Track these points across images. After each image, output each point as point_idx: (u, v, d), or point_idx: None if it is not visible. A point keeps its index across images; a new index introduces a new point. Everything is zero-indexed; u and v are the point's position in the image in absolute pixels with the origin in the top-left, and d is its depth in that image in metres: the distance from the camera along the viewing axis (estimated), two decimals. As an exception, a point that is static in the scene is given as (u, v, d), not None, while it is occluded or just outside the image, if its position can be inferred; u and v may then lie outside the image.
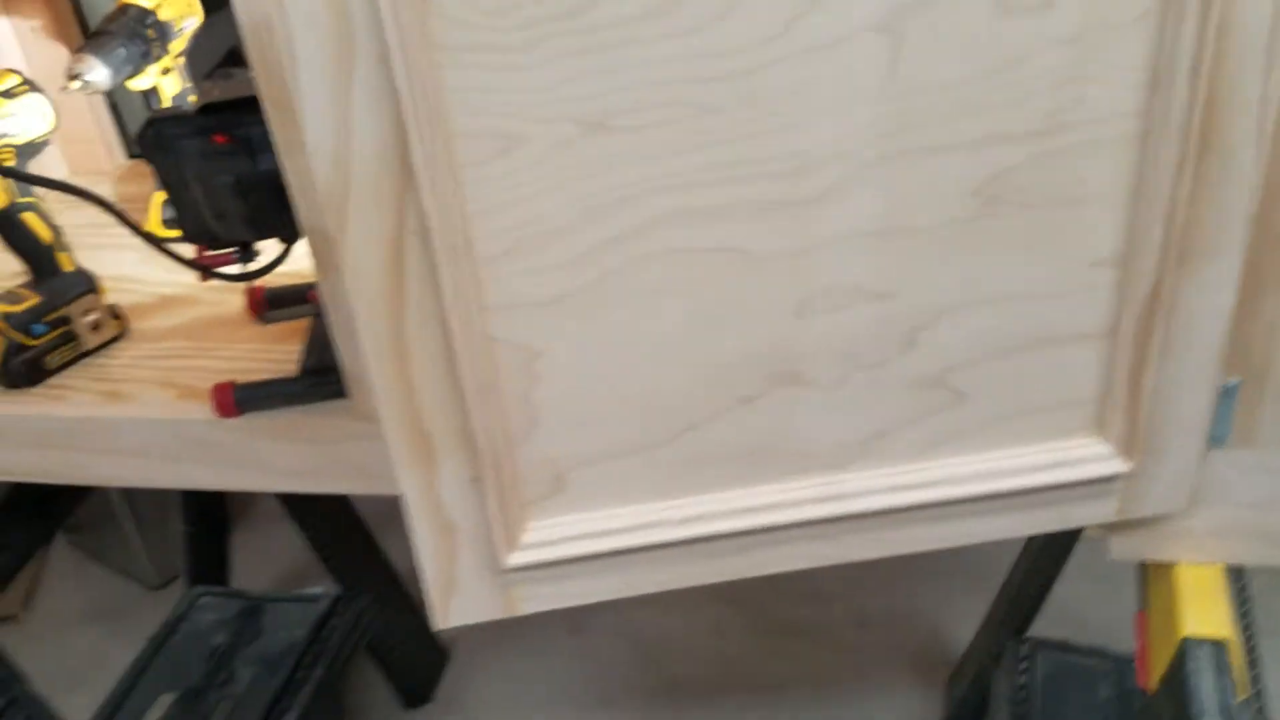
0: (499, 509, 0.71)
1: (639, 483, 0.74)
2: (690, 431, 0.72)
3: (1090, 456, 0.75)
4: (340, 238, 0.60)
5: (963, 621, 1.55)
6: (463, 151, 0.59)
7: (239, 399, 0.87)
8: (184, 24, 1.06)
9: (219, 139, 0.75)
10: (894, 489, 0.75)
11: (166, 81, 1.07)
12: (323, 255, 0.73)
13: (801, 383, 0.71)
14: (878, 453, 0.75)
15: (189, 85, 1.03)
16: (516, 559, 0.73)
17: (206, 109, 0.76)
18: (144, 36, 1.00)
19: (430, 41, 0.55)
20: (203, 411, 0.89)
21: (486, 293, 0.64)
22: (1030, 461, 0.75)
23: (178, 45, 1.05)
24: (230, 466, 0.91)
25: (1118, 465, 0.75)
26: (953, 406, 0.73)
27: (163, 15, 1.02)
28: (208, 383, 0.88)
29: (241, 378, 0.89)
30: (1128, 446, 0.74)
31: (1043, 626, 1.35)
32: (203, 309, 1.05)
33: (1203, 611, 0.82)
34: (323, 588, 1.42)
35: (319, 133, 0.56)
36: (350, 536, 1.48)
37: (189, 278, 0.94)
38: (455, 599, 0.75)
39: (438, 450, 0.69)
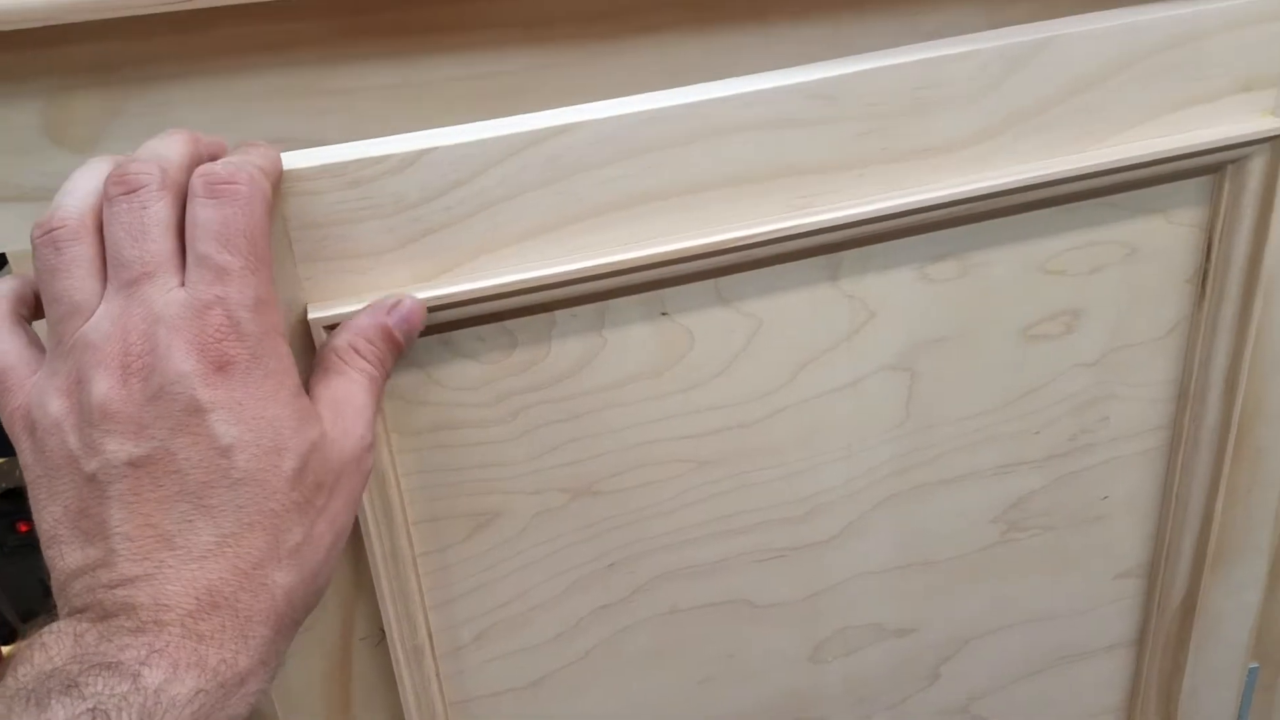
0: None
1: None
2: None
3: (1124, 769, 0.67)
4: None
5: None
6: (431, 538, 0.48)
7: None
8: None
9: (23, 527, 0.64)
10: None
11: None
12: None
13: (814, 729, 0.61)
14: (899, 791, 0.65)
15: None
16: None
17: (7, 493, 0.65)
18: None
19: (393, 427, 0.45)
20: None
21: (457, 687, 0.53)
22: (1060, 781, 0.67)
23: None
24: None
25: (1153, 775, 0.68)
26: (976, 735, 0.64)
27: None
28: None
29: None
30: (1162, 754, 0.67)
31: None
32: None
33: None
34: None
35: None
36: None
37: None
38: None
39: None
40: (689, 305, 0.47)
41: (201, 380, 0.32)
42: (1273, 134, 0.47)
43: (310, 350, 0.40)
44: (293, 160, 0.38)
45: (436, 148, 0.39)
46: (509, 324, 0.45)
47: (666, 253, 0.43)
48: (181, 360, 0.32)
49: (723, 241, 0.44)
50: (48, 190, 0.41)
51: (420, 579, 0.49)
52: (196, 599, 0.31)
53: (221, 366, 0.33)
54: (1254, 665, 0.70)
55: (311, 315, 0.40)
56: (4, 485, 0.63)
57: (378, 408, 0.39)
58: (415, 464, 0.47)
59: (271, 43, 0.43)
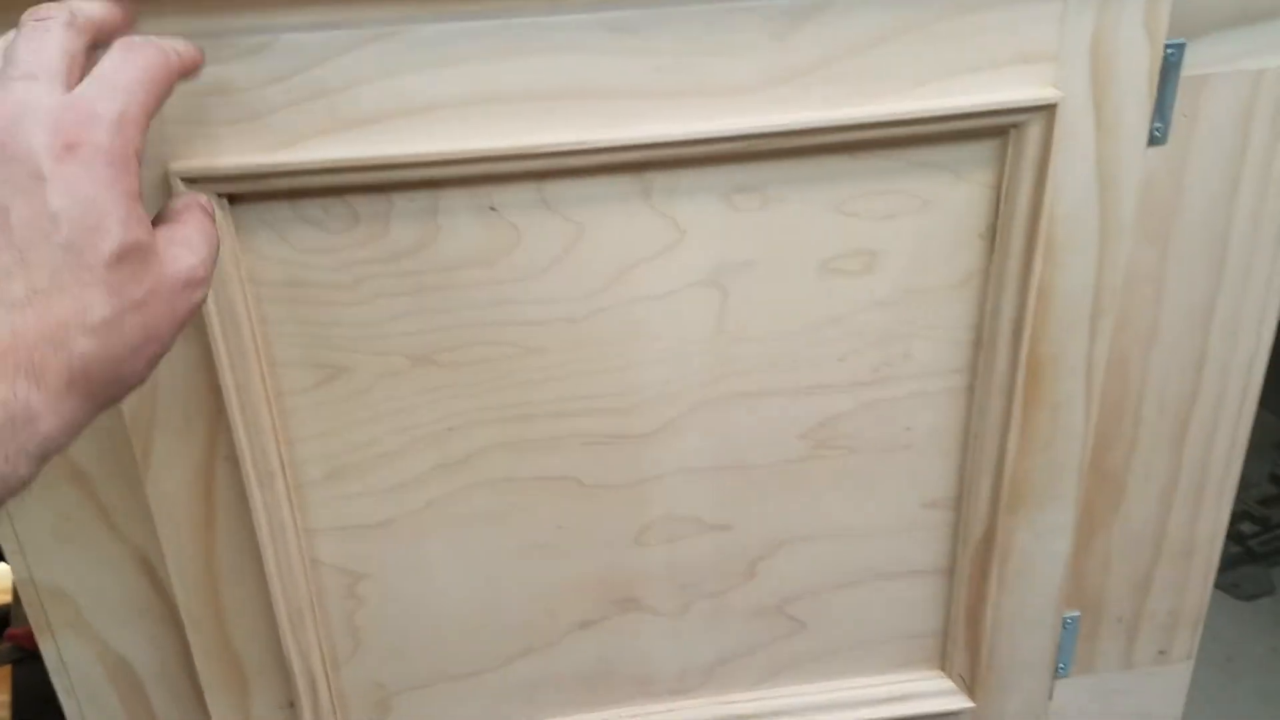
0: (315, 735, 0.67)
1: (474, 708, 0.71)
2: (528, 656, 0.69)
3: (932, 691, 0.74)
4: (145, 464, 0.57)
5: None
6: (285, 380, 0.57)
7: None
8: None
9: None
10: (736, 717, 0.73)
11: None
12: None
13: (643, 609, 0.69)
14: (720, 679, 0.73)
15: None
16: (332, 788, 0.69)
17: None
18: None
19: (247, 276, 0.54)
20: None
21: (309, 516, 0.62)
22: (872, 694, 0.74)
23: None
24: None
25: (961, 701, 0.74)
26: (792, 635, 0.72)
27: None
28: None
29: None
30: (970, 683, 0.73)
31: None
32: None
33: None
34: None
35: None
36: None
37: None
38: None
39: (250, 677, 0.65)
40: (515, 204, 0.54)
41: (49, 153, 0.38)
42: (1044, 103, 0.53)
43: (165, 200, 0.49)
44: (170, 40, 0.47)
45: (277, 40, 0.48)
46: (350, 200, 0.53)
47: (482, 150, 0.51)
48: (37, 134, 0.38)
49: (531, 146, 0.51)
50: None
51: (275, 415, 0.58)
52: None
53: (71, 147, 0.38)
54: (1075, 614, 0.76)
55: (172, 165, 0.49)
56: None
57: (213, 259, 0.45)
58: (273, 313, 0.55)
59: None
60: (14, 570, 0.63)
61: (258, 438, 0.57)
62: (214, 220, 0.45)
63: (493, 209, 0.54)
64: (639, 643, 0.70)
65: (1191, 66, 0.56)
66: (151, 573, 0.64)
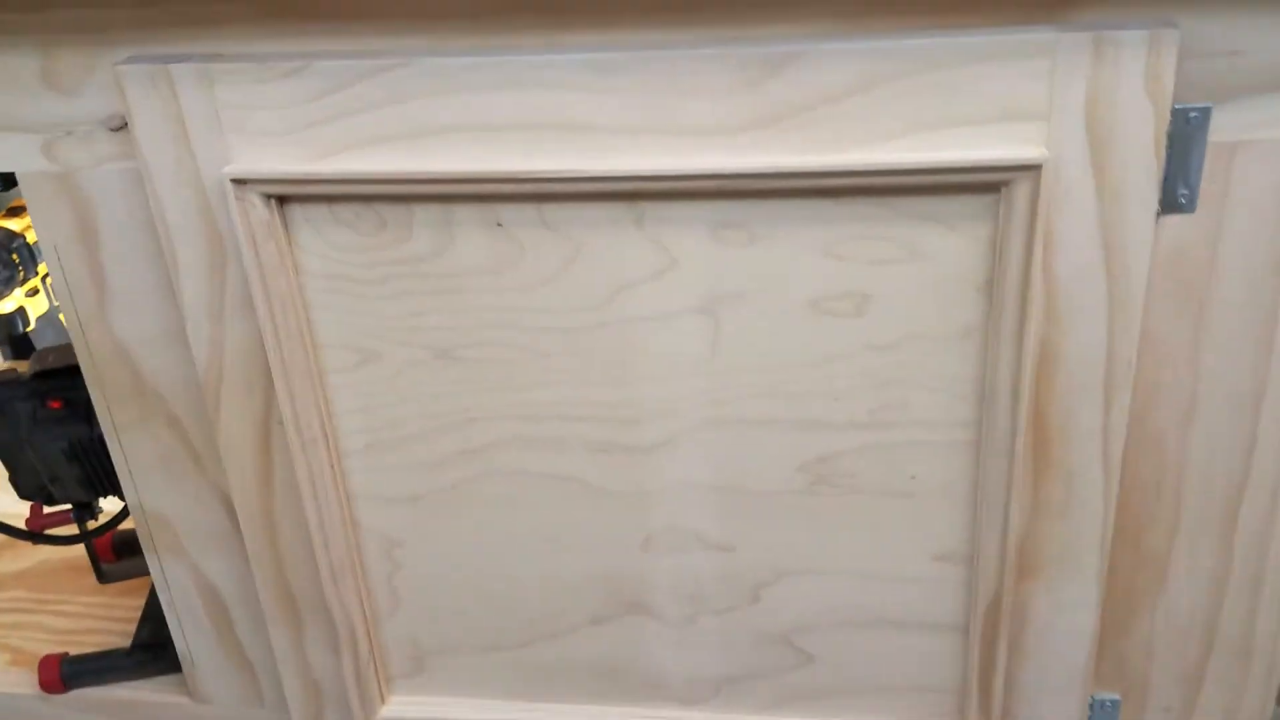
0: (355, 680, 0.76)
1: (497, 680, 0.77)
2: (545, 640, 0.75)
3: (945, 749, 0.72)
4: (215, 417, 0.67)
5: None
6: (327, 358, 0.66)
7: (66, 675, 0.85)
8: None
9: (53, 404, 0.78)
10: (745, 738, 0.75)
11: (32, 303, 1.03)
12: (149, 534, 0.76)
13: (650, 614, 0.72)
14: (728, 697, 0.75)
15: (56, 305, 0.97)
16: (367, 728, 0.77)
17: (41, 374, 0.78)
18: (9, 261, 0.97)
19: (294, 266, 0.62)
20: (32, 683, 0.86)
21: (352, 481, 0.70)
22: (882, 741, 0.73)
23: (45, 267, 0.98)
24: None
25: (976, 765, 0.72)
26: (801, 667, 0.72)
27: (30, 238, 0.99)
28: (43, 646, 0.89)
29: (78, 641, 0.89)
30: (985, 747, 0.71)
31: None
32: (46, 553, 1.02)
33: None
34: None
35: (198, 326, 0.64)
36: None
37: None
38: (313, 751, 0.80)
39: (304, 616, 0.75)
40: (519, 221, 0.60)
41: None
42: (1030, 162, 0.52)
43: (224, 198, 0.59)
44: (223, 62, 0.56)
45: (310, 65, 0.55)
46: (378, 207, 0.60)
47: (485, 171, 0.57)
48: None
49: (527, 171, 0.56)
50: (44, 124, 0.61)
51: (320, 389, 0.66)
52: None
53: None
54: (1114, 696, 0.72)
55: (225, 169, 0.58)
56: (38, 368, 0.78)
57: None
58: (316, 300, 0.64)
59: (207, 18, 0.57)
60: (126, 496, 0.75)
61: (303, 407, 0.66)
62: None
63: (499, 224, 0.60)
64: (647, 646, 0.74)
65: (1221, 132, 0.53)
66: (232, 511, 0.74)
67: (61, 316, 0.77)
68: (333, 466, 0.69)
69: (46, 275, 1.04)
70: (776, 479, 0.65)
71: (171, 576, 0.78)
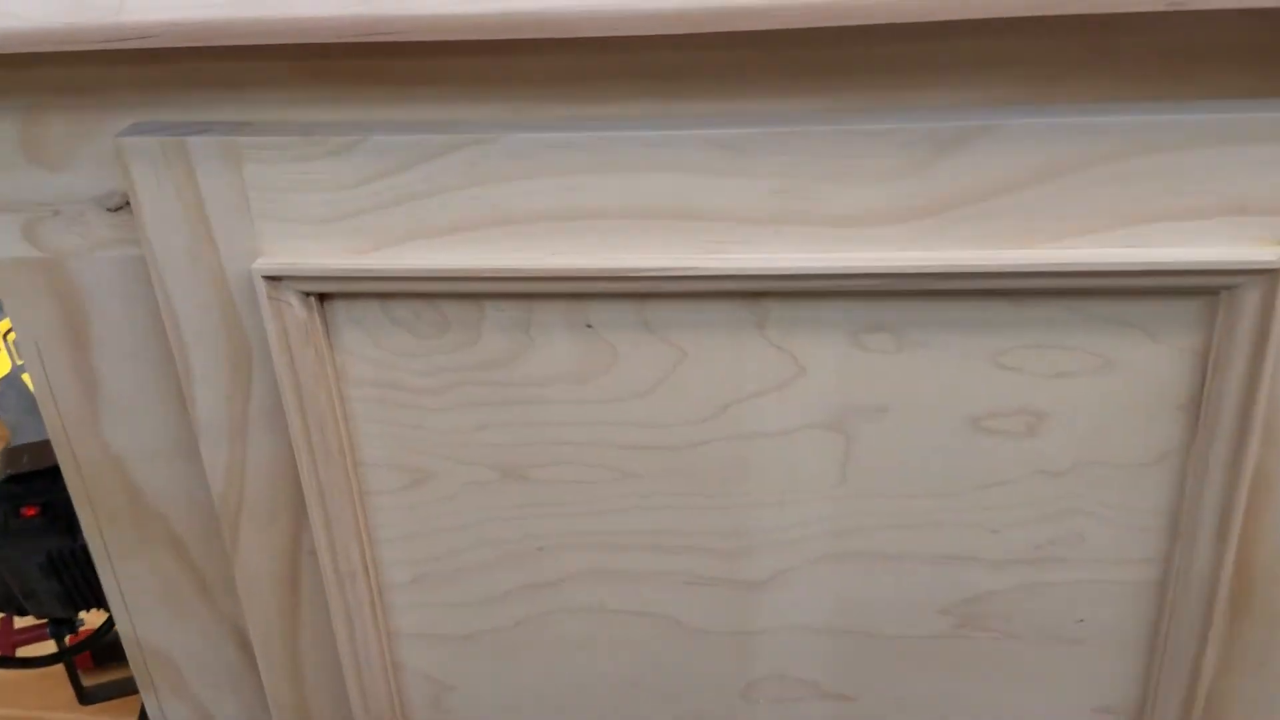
0: (392, 839, 0.64)
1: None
2: (618, 793, 0.64)
3: None
4: (233, 548, 0.56)
5: None
6: (370, 479, 0.55)
7: None
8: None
9: (28, 512, 0.68)
10: None
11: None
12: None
13: (747, 767, 0.61)
14: None
15: (21, 363, 0.87)
16: None
17: (13, 478, 0.69)
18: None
19: (336, 374, 0.51)
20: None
21: (395, 618, 0.59)
22: None
23: (7, 323, 0.90)
24: None
25: None
26: (924, 829, 0.62)
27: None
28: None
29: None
30: None
31: None
32: (18, 674, 0.89)
33: None
34: None
35: (214, 443, 0.53)
36: None
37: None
38: None
39: (329, 769, 0.63)
40: (613, 323, 0.49)
41: None
42: (1263, 267, 0.42)
43: (251, 295, 0.48)
44: (253, 133, 0.45)
45: (366, 140, 0.44)
46: (441, 305, 0.49)
47: (576, 268, 0.46)
48: None
49: (629, 269, 0.46)
50: (24, 202, 0.50)
51: (363, 515, 0.55)
52: None
53: None
54: None
55: (255, 264, 0.47)
56: (10, 471, 0.68)
57: None
58: (360, 412, 0.53)
59: (230, 79, 0.47)
60: (120, 629, 0.64)
61: (340, 536, 0.55)
62: None
63: (589, 326, 0.49)
64: (745, 804, 0.63)
65: None
66: (247, 647, 0.63)
67: (26, 378, 0.65)
68: (373, 601, 0.58)
69: (9, 332, 0.92)
70: (912, 622, 0.55)
71: (171, 714, 0.67)
